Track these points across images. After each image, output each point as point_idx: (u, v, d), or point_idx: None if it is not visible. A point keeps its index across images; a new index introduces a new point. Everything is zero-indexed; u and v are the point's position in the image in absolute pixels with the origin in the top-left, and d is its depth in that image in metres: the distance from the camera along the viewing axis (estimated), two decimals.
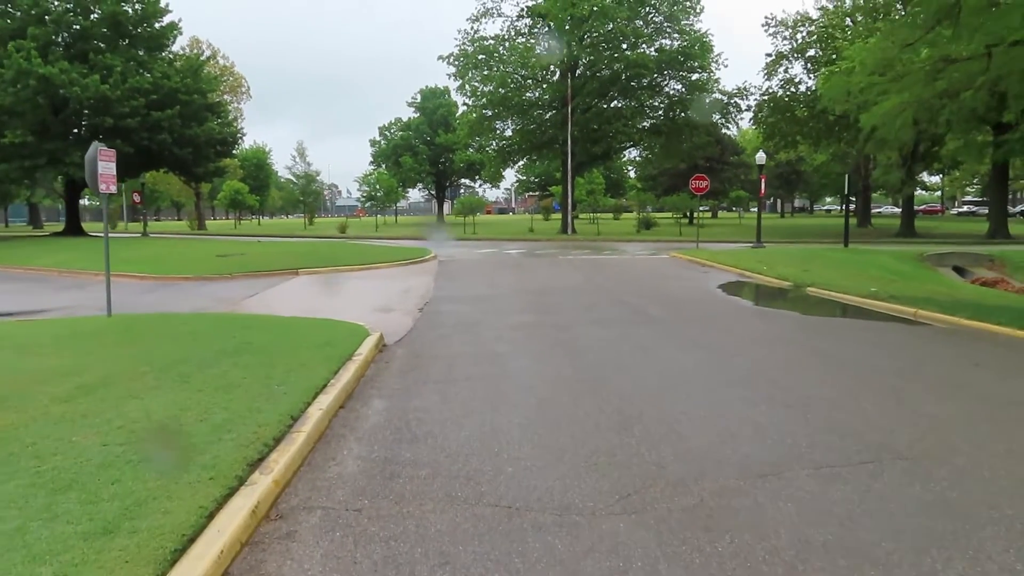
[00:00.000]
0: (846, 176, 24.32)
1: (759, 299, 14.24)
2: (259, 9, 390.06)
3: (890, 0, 38.01)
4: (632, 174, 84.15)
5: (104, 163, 10.09)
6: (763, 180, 24.50)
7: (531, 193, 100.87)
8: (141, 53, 35.14)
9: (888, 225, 53.61)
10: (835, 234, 40.82)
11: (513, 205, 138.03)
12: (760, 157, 24.40)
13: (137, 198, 39.80)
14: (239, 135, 39.39)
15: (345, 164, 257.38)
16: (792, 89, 42.74)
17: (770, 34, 43.05)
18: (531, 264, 21.96)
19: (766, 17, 42.76)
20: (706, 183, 24.79)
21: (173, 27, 35.57)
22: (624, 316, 11.54)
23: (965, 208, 76.45)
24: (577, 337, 9.57)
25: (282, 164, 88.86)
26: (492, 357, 8.22)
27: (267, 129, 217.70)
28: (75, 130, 31.93)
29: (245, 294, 15.19)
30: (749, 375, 7.31)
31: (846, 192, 24.21)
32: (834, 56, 36.01)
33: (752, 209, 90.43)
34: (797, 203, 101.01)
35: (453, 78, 44.20)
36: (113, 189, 10.26)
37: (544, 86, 43.90)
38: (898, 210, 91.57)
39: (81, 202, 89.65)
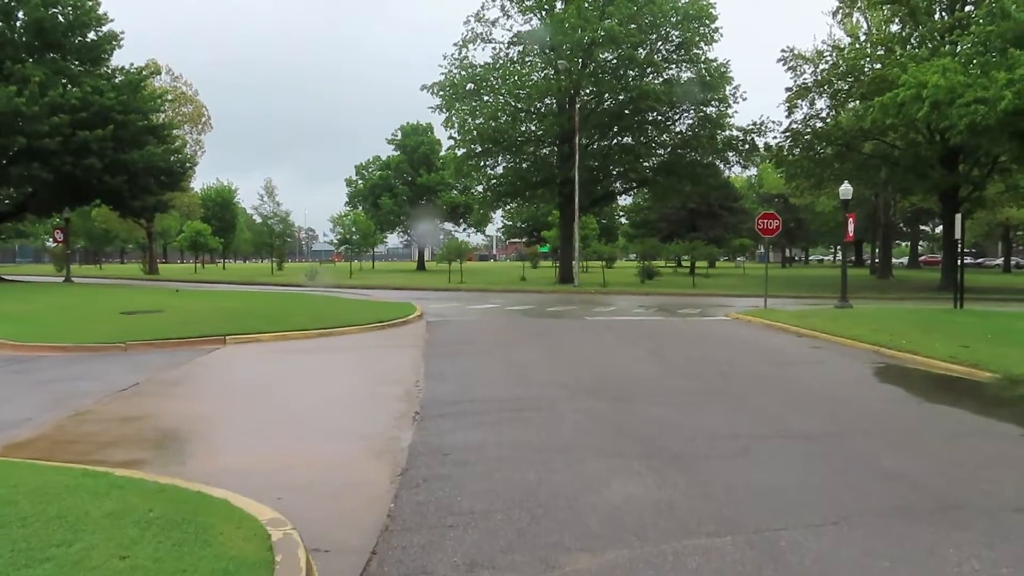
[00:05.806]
0: (957, 216, 18.99)
1: (998, 412, 8.40)
2: (246, 51, 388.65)
3: (929, 29, 34.34)
4: (624, 220, 79.39)
5: None
6: (851, 219, 19.29)
7: (514, 240, 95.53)
8: (74, 66, 29.73)
9: (909, 278, 48.74)
10: (866, 287, 36.03)
11: (495, 252, 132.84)
12: (845, 190, 19.08)
13: (59, 236, 33.36)
14: (189, 165, 33.67)
15: (327, 208, 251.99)
16: (818, 124, 38.52)
17: (788, 68, 39.09)
18: (557, 331, 16.28)
19: (783, 51, 38.86)
20: (777, 223, 19.51)
21: (113, 36, 30.22)
22: (842, 484, 5.77)
23: (968, 260, 72.88)
24: None
25: (252, 204, 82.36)
26: None
27: (249, 174, 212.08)
28: None
29: (117, 385, 9.45)
30: None
31: (958, 237, 18.99)
32: (875, 86, 31.89)
33: (740, 259, 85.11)
34: (788, 253, 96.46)
35: (438, 110, 38.79)
36: None
37: (539, 119, 38.95)
38: (899, 261, 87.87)
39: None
